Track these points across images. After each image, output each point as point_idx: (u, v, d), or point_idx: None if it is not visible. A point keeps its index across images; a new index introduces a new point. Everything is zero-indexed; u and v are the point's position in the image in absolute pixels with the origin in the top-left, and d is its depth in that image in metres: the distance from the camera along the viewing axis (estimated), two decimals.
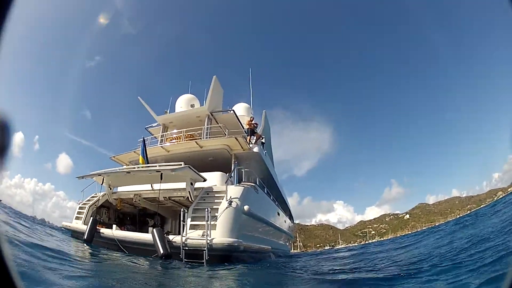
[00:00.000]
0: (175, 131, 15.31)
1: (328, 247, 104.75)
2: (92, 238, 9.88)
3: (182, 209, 8.91)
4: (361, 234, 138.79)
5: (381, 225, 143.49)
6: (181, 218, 8.76)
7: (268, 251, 12.82)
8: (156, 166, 9.78)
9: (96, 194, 11.88)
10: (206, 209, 8.50)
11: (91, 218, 10.40)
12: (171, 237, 8.74)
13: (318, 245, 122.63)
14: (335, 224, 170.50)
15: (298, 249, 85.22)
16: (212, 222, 8.53)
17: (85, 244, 9.57)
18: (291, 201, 26.39)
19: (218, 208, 9.05)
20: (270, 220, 14.26)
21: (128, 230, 11.28)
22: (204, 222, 8.38)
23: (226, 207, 8.96)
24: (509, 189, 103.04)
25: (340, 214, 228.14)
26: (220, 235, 8.41)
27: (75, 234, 11.03)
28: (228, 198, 9.23)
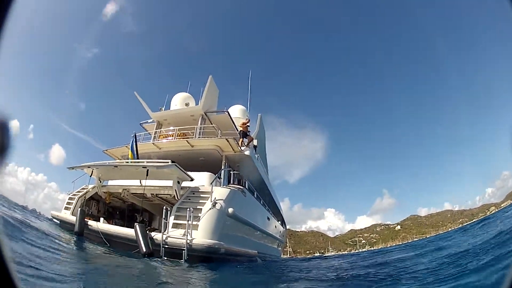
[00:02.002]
0: (171, 128, 15.45)
1: (318, 254, 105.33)
2: (83, 231, 9.97)
3: (164, 207, 9.05)
4: (351, 243, 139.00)
5: (371, 235, 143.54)
6: (163, 216, 8.86)
7: (254, 255, 12.82)
8: (143, 162, 9.96)
9: (86, 186, 12.01)
10: (188, 209, 8.63)
11: (79, 209, 10.49)
12: (153, 234, 8.83)
13: (307, 252, 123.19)
14: (325, 231, 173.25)
15: (288, 255, 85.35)
16: (194, 222, 8.64)
17: (75, 237, 9.67)
18: (282, 207, 26.58)
19: (201, 208, 9.15)
20: (258, 224, 14.33)
21: (116, 224, 11.43)
22: (189, 222, 8.49)
23: (210, 208, 9.06)
24: (502, 205, 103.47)
25: (331, 221, 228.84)
26: (201, 236, 8.52)
27: (63, 225, 11.18)
28: (213, 199, 9.32)
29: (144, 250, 8.14)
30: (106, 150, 14.22)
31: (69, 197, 11.82)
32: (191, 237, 8.35)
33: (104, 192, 11.72)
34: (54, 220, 12.08)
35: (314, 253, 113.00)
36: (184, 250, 8.09)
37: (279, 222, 24.93)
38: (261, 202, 16.82)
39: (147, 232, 8.79)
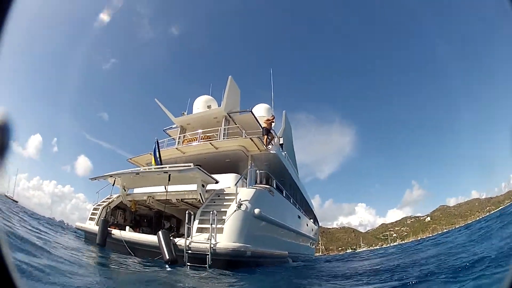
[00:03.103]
0: (199, 131, 15.12)
1: (350, 250, 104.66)
2: (105, 242, 9.68)
3: (187, 211, 8.57)
4: (382, 237, 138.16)
5: (402, 228, 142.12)
6: (186, 220, 8.40)
7: (284, 256, 12.24)
8: (165, 167, 9.59)
9: (111, 196, 11.86)
10: (212, 212, 8.15)
11: (101, 219, 10.27)
12: (177, 240, 8.40)
13: (340, 248, 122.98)
14: (356, 227, 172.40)
15: (320, 252, 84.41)
16: (219, 226, 8.16)
17: (98, 248, 9.40)
18: (313, 204, 25.91)
19: (226, 211, 8.65)
20: (288, 224, 13.67)
21: (143, 232, 11.18)
22: (213, 225, 8.02)
23: (235, 210, 8.54)
24: None
25: (362, 216, 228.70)
26: (226, 239, 8.00)
27: (88, 235, 11.04)
28: (238, 200, 8.79)
29: (167, 257, 7.72)
30: (130, 158, 14.10)
31: (94, 208, 11.71)
32: (215, 241, 7.84)
33: (129, 201, 11.51)
34: (80, 231, 12.00)
35: (346, 250, 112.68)
36: (208, 255, 7.58)
37: (311, 220, 24.14)
38: (291, 201, 16.10)
39: (171, 238, 8.36)
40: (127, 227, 10.88)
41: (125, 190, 11.36)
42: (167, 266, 7.52)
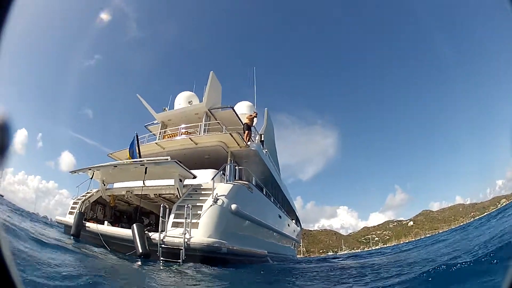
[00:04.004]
0: (180, 126, 15.10)
1: (332, 253, 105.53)
2: (79, 233, 9.80)
3: (162, 205, 8.65)
4: (364, 241, 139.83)
5: (384, 232, 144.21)
6: (161, 215, 8.45)
7: (263, 255, 12.27)
8: (143, 160, 9.65)
9: (91, 190, 11.83)
10: (187, 206, 8.20)
11: (77, 212, 10.34)
12: (151, 234, 8.44)
13: (321, 251, 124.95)
14: (338, 229, 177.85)
15: (301, 254, 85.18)
16: (194, 220, 8.19)
17: (72, 239, 9.51)
18: (295, 205, 26.21)
19: (202, 205, 8.69)
20: (268, 222, 13.75)
21: (122, 228, 11.18)
22: (188, 220, 8.06)
23: (211, 205, 8.59)
24: None
25: (344, 219, 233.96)
26: (201, 235, 8.04)
27: (67, 229, 11.02)
28: (215, 195, 8.85)
29: (140, 250, 7.79)
30: (111, 153, 14.05)
31: (73, 202, 11.66)
32: (190, 235, 7.90)
33: (109, 196, 11.54)
34: (60, 225, 11.98)
35: (328, 252, 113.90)
36: (181, 249, 7.64)
37: (293, 221, 24.24)
38: (272, 200, 16.22)
39: (145, 232, 8.41)
40: (106, 222, 10.91)
41: (104, 185, 11.39)
42: (138, 260, 7.59)
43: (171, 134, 14.98)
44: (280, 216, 17.30)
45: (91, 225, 9.92)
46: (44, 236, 7.82)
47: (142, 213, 12.86)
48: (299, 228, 26.97)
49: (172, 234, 8.14)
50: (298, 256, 32.69)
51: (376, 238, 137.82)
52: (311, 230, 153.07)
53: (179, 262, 7.48)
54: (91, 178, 10.84)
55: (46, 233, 9.21)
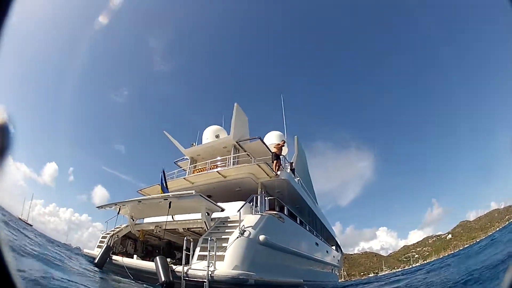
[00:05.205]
0: (208, 161, 15.13)
1: (372, 275, 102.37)
2: (103, 264, 9.75)
3: (185, 238, 8.41)
4: (405, 259, 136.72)
5: (424, 248, 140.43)
6: (184, 247, 8.23)
7: (299, 284, 11.80)
8: (167, 195, 9.55)
9: (120, 225, 11.91)
10: (210, 238, 7.93)
11: (105, 245, 10.38)
12: (175, 267, 8.23)
13: (362, 273, 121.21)
14: (378, 251, 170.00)
15: (343, 278, 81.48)
16: (220, 253, 7.89)
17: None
18: (334, 231, 25.39)
19: (228, 238, 8.39)
20: (303, 251, 13.18)
21: None
22: (212, 253, 7.78)
23: (237, 237, 8.27)
24: None
25: (383, 240, 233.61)
26: (227, 267, 7.68)
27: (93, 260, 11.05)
28: (241, 227, 8.55)
29: (163, 279, 7.54)
30: (141, 190, 14.19)
31: (102, 236, 11.74)
32: (215, 268, 7.55)
33: (138, 230, 11.51)
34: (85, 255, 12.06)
35: (368, 275, 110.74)
36: (205, 282, 7.26)
37: (333, 247, 23.57)
38: (307, 228, 15.61)
39: (169, 265, 8.23)
40: (135, 256, 10.82)
41: (133, 220, 11.43)
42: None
43: (200, 169, 14.94)
44: (317, 244, 16.70)
45: (118, 258, 9.87)
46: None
47: (175, 247, 12.65)
48: (339, 253, 25.96)
49: (196, 267, 7.87)
50: (340, 280, 31.02)
51: (416, 256, 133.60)
52: (351, 254, 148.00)
53: None
54: (118, 213, 10.92)
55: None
